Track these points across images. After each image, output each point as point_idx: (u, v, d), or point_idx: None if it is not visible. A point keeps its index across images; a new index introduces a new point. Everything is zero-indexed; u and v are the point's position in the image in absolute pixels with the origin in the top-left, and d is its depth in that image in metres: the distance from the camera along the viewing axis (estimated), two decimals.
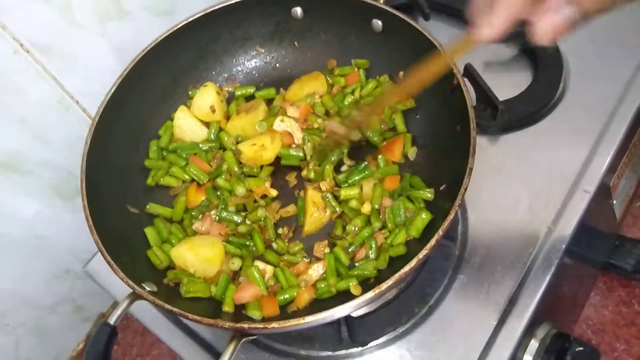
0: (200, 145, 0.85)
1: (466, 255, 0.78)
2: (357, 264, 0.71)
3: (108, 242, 0.67)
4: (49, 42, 0.81)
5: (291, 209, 0.79)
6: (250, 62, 0.94)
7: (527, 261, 0.76)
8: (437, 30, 0.76)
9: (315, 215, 0.75)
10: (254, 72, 0.94)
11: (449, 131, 0.74)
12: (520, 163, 0.84)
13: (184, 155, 0.84)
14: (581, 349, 0.73)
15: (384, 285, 0.58)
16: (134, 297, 0.63)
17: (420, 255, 0.59)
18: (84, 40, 0.85)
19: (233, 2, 0.85)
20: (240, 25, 0.90)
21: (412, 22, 0.78)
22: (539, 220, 0.78)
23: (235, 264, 0.73)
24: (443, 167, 0.75)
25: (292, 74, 0.92)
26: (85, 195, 0.69)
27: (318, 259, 0.73)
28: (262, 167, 0.83)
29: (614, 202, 0.92)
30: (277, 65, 0.95)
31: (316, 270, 0.71)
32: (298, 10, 0.89)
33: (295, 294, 0.69)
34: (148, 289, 0.64)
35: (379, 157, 0.79)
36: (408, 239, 0.71)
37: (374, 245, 0.71)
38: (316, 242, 0.76)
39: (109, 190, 0.76)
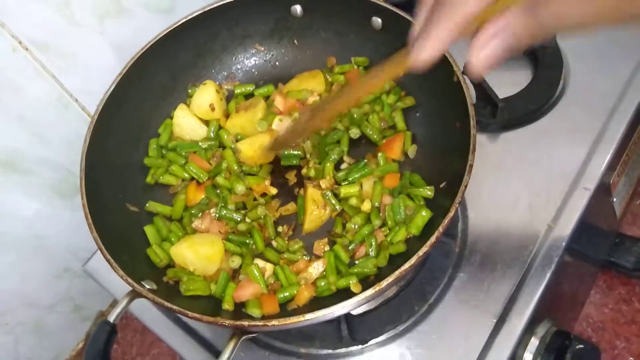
0: (200, 144, 0.85)
1: (466, 253, 0.78)
2: (357, 262, 0.71)
3: (107, 240, 0.66)
4: (47, 39, 0.80)
5: (291, 207, 0.79)
6: (250, 60, 0.94)
7: (527, 259, 0.76)
8: None
9: (315, 213, 0.75)
10: (253, 70, 0.94)
11: (448, 129, 0.74)
12: (520, 161, 0.84)
13: (184, 153, 0.84)
14: (581, 346, 0.73)
15: (384, 283, 0.57)
16: (134, 295, 0.62)
17: (421, 252, 0.59)
18: (83, 38, 0.85)
19: None
20: (240, 23, 0.90)
21: (411, 19, 0.78)
22: (539, 218, 0.78)
23: (235, 262, 0.73)
24: (443, 165, 0.75)
25: (292, 72, 0.92)
26: (84, 193, 0.69)
27: (318, 257, 0.73)
28: (261, 165, 0.83)
29: (614, 199, 0.92)
30: (277, 63, 0.94)
31: (316, 268, 0.71)
32: (297, 8, 0.89)
33: (295, 292, 0.69)
34: (148, 287, 0.64)
35: (379, 155, 0.79)
36: (408, 236, 0.71)
37: (374, 243, 0.71)
38: (316, 240, 0.75)
39: (108, 188, 0.76)
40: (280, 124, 0.84)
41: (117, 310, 0.61)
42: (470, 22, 0.39)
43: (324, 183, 0.78)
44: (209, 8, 0.85)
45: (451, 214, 0.60)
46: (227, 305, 0.68)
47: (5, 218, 0.88)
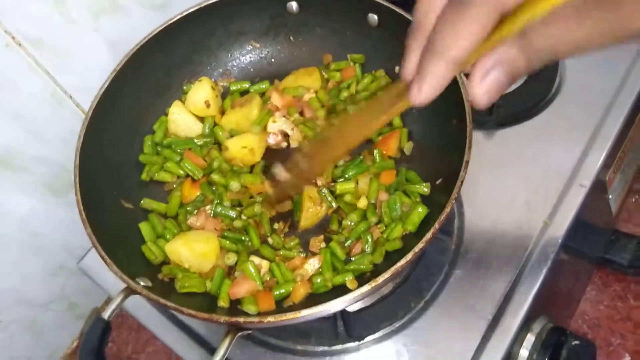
0: (195, 141, 0.84)
1: (462, 250, 0.78)
2: (353, 259, 0.71)
3: (102, 237, 0.66)
4: (41, 35, 0.80)
5: (287, 204, 0.79)
6: (246, 57, 0.94)
7: (523, 256, 0.76)
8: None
9: (312, 210, 0.75)
10: (249, 67, 0.94)
11: (445, 126, 0.74)
12: (516, 158, 0.84)
13: (179, 150, 0.84)
14: (577, 342, 0.73)
15: (380, 279, 0.57)
16: (128, 292, 0.62)
17: (417, 248, 0.59)
18: (78, 34, 0.84)
19: None
20: (235, 19, 0.89)
21: (408, 16, 0.78)
22: (535, 215, 0.78)
23: (231, 258, 0.73)
24: (439, 161, 0.74)
25: (288, 68, 0.91)
26: (78, 189, 0.68)
27: (314, 254, 0.73)
28: (253, 165, 0.83)
29: (610, 196, 0.92)
30: (273, 60, 0.94)
31: (312, 265, 0.71)
32: (293, 5, 0.88)
33: (291, 288, 0.68)
34: (142, 283, 0.63)
35: (375, 151, 0.79)
36: (404, 233, 0.71)
37: (370, 240, 0.71)
38: (312, 237, 0.75)
39: (103, 185, 0.75)
40: (274, 126, 0.84)
41: (112, 307, 0.60)
42: (466, 58, 0.39)
43: (320, 180, 0.78)
44: (204, 4, 0.84)
45: (447, 209, 0.60)
46: (223, 302, 0.68)
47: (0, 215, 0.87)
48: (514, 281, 0.74)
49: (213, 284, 0.70)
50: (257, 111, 0.84)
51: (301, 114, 0.86)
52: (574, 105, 0.87)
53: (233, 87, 0.91)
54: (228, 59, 0.93)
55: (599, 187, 0.85)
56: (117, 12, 0.88)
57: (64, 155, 0.90)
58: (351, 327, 0.74)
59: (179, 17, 0.83)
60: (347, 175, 0.77)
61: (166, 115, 0.86)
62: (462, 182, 0.62)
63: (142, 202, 0.79)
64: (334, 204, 0.76)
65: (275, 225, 0.77)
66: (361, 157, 0.79)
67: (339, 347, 0.74)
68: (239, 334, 0.60)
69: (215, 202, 0.78)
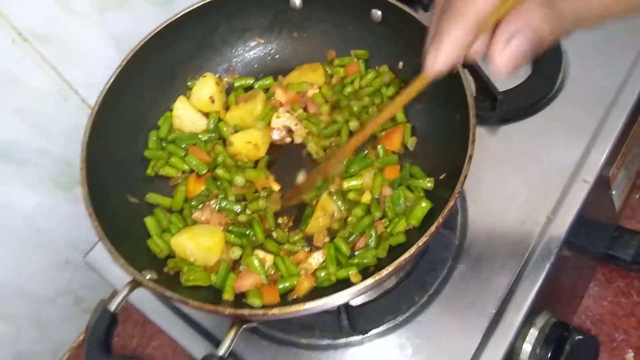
0: (200, 136, 0.85)
1: (465, 245, 0.79)
2: (357, 253, 0.71)
3: (108, 231, 0.66)
4: (47, 31, 0.80)
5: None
6: (249, 53, 0.94)
7: (526, 251, 0.76)
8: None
9: (320, 220, 0.75)
10: (253, 63, 0.94)
11: (448, 121, 0.74)
12: (519, 153, 0.84)
13: (183, 145, 0.84)
14: (580, 337, 0.73)
15: (384, 272, 0.58)
16: (134, 284, 0.63)
17: (421, 242, 0.59)
18: (83, 29, 0.85)
19: None
20: (239, 15, 0.90)
21: (411, 12, 0.78)
22: (538, 210, 0.78)
23: (235, 252, 0.73)
24: (443, 157, 0.75)
25: (292, 64, 0.92)
26: (85, 183, 0.69)
27: (318, 248, 0.73)
28: (257, 160, 0.83)
29: (613, 192, 0.92)
30: (277, 56, 0.94)
31: (316, 259, 0.71)
32: (297, 1, 0.88)
33: (296, 282, 0.69)
34: (148, 276, 0.64)
35: (379, 147, 0.79)
36: (408, 227, 0.71)
37: (373, 234, 0.71)
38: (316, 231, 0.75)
39: (109, 180, 0.76)
40: (278, 121, 0.84)
41: (118, 299, 0.61)
42: (484, 21, 0.37)
43: (332, 186, 0.77)
44: (209, 0, 0.84)
45: (451, 203, 0.61)
46: (228, 296, 0.68)
47: (5, 210, 0.88)
48: (517, 276, 0.74)
49: (218, 278, 0.70)
50: (261, 107, 0.85)
51: (305, 109, 0.86)
52: (578, 102, 0.87)
53: (237, 83, 0.91)
54: (232, 55, 0.93)
55: (602, 183, 0.85)
56: (122, 7, 0.89)
57: (69, 151, 0.91)
58: (355, 321, 0.74)
59: (183, 13, 0.84)
60: (352, 171, 0.78)
61: (171, 110, 0.87)
62: (465, 177, 0.63)
63: (147, 196, 0.80)
64: (343, 210, 0.75)
65: (280, 220, 0.78)
66: (365, 152, 0.79)
67: (342, 340, 0.75)
68: (244, 326, 0.61)
69: (220, 196, 0.78)
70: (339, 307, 0.74)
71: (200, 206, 0.79)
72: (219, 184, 0.80)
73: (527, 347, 0.73)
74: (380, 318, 0.75)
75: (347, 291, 0.58)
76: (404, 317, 0.74)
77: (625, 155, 0.91)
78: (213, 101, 0.86)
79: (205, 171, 0.82)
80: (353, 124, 0.83)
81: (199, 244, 0.71)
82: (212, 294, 0.70)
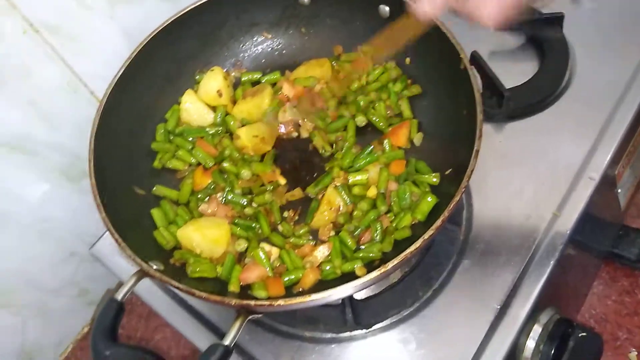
0: (207, 129, 0.85)
1: (471, 240, 0.79)
2: (362, 247, 0.71)
3: (115, 222, 0.67)
4: (58, 22, 0.81)
5: (297, 193, 0.79)
6: (257, 47, 0.94)
7: (531, 247, 0.76)
8: (443, 16, 0.76)
9: (326, 214, 0.75)
10: (260, 58, 0.95)
11: (455, 117, 0.74)
12: (525, 150, 0.84)
13: (191, 138, 0.85)
14: (584, 334, 0.73)
15: (389, 265, 0.58)
16: (141, 274, 0.63)
17: (426, 235, 0.59)
18: (93, 22, 0.85)
19: None
20: (247, 10, 0.90)
21: None
22: (544, 207, 0.79)
23: (241, 245, 0.73)
24: (449, 152, 0.75)
25: (299, 60, 0.92)
26: (93, 174, 0.69)
27: (323, 242, 0.74)
28: (264, 154, 0.83)
29: (619, 190, 0.92)
30: (284, 51, 0.95)
31: (321, 252, 0.71)
32: None
33: (301, 275, 0.69)
34: (155, 267, 0.65)
35: (385, 142, 0.79)
36: (413, 222, 0.71)
37: (379, 228, 0.71)
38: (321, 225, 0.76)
39: (116, 171, 0.77)
40: (285, 115, 0.84)
41: (125, 288, 0.61)
42: None
43: (338, 180, 0.78)
44: None
45: (457, 197, 0.61)
46: (233, 287, 0.69)
47: (13, 200, 0.88)
48: (522, 272, 0.74)
49: (224, 269, 0.71)
50: (269, 101, 0.85)
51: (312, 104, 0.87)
52: (584, 99, 0.87)
53: (244, 78, 0.91)
54: (240, 49, 0.94)
55: (608, 181, 0.85)
56: (132, 1, 0.89)
57: (77, 143, 0.91)
58: (359, 315, 0.75)
59: (191, 7, 0.84)
60: (357, 165, 0.78)
61: (179, 104, 0.87)
62: (472, 171, 0.63)
63: (154, 189, 0.80)
64: (349, 203, 0.75)
65: (285, 214, 0.78)
66: (371, 147, 0.79)
67: (346, 334, 0.75)
68: (249, 317, 0.61)
69: (227, 189, 0.79)
70: (343, 301, 0.75)
71: (206, 199, 0.79)
72: (225, 177, 0.80)
73: (530, 344, 0.73)
74: (384, 312, 0.75)
75: (352, 284, 0.58)
76: (409, 312, 0.75)
77: (631, 154, 0.91)
78: (220, 95, 0.86)
79: (212, 164, 0.82)
80: (360, 119, 0.83)
81: (205, 236, 0.72)
82: (217, 286, 0.70)
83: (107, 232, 0.67)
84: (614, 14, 0.95)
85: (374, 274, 0.58)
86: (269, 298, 0.66)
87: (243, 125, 0.85)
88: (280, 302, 0.59)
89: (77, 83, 0.88)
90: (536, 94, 0.88)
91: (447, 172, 0.74)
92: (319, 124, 0.84)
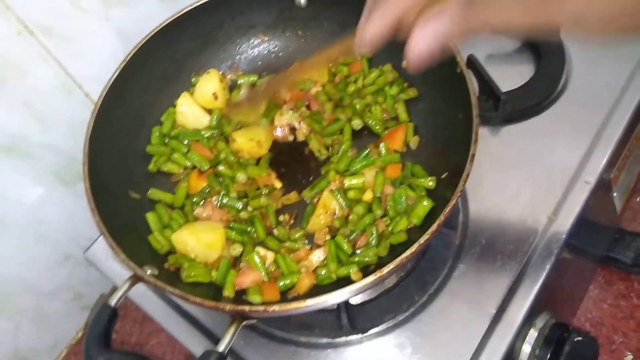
0: (202, 132, 0.85)
1: (466, 244, 0.79)
2: (358, 251, 0.71)
3: (109, 226, 0.66)
4: (53, 24, 0.80)
5: (293, 197, 0.79)
6: (254, 50, 0.94)
7: (527, 251, 0.76)
8: None
9: (322, 218, 0.75)
10: (256, 60, 0.94)
11: (451, 121, 0.74)
12: (521, 154, 0.84)
13: (186, 142, 0.84)
14: (580, 338, 0.73)
15: (385, 269, 0.58)
16: (135, 279, 0.62)
17: (422, 240, 0.59)
18: (89, 23, 0.85)
19: None
20: (244, 12, 0.90)
21: None
22: (540, 211, 0.78)
23: (236, 249, 0.73)
24: (445, 156, 0.75)
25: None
26: (87, 177, 0.69)
27: (319, 246, 0.73)
28: (259, 158, 0.83)
29: (615, 194, 0.92)
30: (280, 53, 0.94)
31: (317, 257, 0.71)
32: None
33: (296, 279, 0.69)
34: (149, 272, 0.64)
35: (381, 145, 0.79)
36: (409, 226, 0.71)
37: (375, 233, 0.71)
38: (317, 229, 0.75)
39: (111, 174, 0.76)
40: (281, 118, 0.84)
41: (119, 294, 0.61)
42: (409, 10, 0.46)
43: (334, 184, 0.77)
44: None
45: (453, 201, 0.61)
46: (228, 292, 0.68)
47: (7, 203, 0.88)
48: (518, 276, 0.74)
49: (218, 274, 0.70)
50: (264, 104, 0.85)
51: (308, 107, 0.87)
52: (580, 103, 0.87)
53: (240, 81, 0.91)
54: (236, 51, 0.93)
55: (603, 185, 0.85)
56: (128, 2, 0.89)
57: (72, 145, 0.91)
58: (355, 320, 0.74)
59: (188, 9, 0.84)
60: (353, 169, 0.78)
61: (174, 106, 0.87)
62: (467, 175, 0.63)
63: (149, 192, 0.80)
64: (345, 206, 0.75)
65: (281, 218, 0.78)
66: (367, 150, 0.79)
67: (342, 339, 0.75)
68: (244, 322, 0.61)
69: (222, 193, 0.78)
70: (339, 306, 0.74)
71: (201, 202, 0.79)
72: (220, 180, 0.80)
73: (526, 348, 0.73)
74: (380, 317, 0.75)
75: (348, 288, 0.58)
76: (404, 316, 0.74)
77: (627, 158, 0.91)
78: (216, 97, 0.86)
79: (207, 168, 0.82)
80: (356, 123, 0.83)
81: (200, 240, 0.71)
82: (212, 291, 0.69)
83: (102, 236, 0.66)
84: None
85: (370, 278, 0.58)
86: (263, 303, 0.66)
87: (239, 129, 0.84)
88: (275, 307, 0.58)
89: (71, 85, 0.88)
90: (532, 98, 0.88)
91: (443, 176, 0.74)
92: (315, 127, 0.84)
